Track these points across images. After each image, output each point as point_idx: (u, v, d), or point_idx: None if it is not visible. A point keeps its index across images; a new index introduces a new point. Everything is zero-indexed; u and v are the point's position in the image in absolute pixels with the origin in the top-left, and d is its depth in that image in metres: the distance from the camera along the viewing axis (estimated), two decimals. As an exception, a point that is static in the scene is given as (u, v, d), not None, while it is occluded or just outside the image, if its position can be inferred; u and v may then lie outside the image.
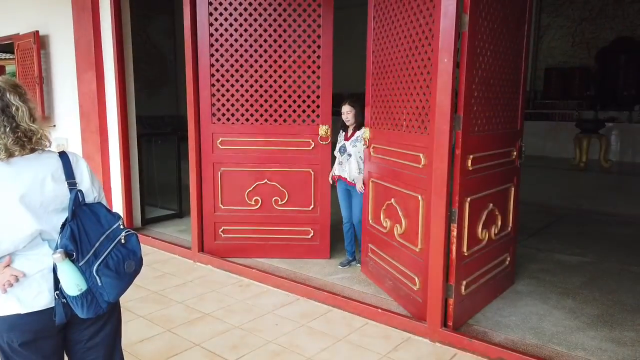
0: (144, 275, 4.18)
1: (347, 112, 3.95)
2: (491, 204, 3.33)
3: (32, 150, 1.52)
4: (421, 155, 3.07)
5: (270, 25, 4.04)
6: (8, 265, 1.51)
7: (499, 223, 3.46)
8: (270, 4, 4.01)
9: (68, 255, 1.49)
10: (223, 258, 4.35)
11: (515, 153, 3.56)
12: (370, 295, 3.65)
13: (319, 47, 4.02)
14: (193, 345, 3.02)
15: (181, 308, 3.56)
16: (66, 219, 1.53)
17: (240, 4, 4.04)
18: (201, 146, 4.30)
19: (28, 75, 5.80)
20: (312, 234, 4.33)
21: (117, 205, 5.29)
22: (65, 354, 1.74)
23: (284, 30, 4.03)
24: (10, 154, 1.46)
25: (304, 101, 4.12)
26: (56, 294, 1.54)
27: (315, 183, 4.24)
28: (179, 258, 4.66)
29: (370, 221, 3.87)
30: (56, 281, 1.53)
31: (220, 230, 4.42)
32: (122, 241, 1.61)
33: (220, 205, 4.37)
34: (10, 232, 1.48)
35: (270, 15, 4.02)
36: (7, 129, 1.44)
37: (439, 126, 2.88)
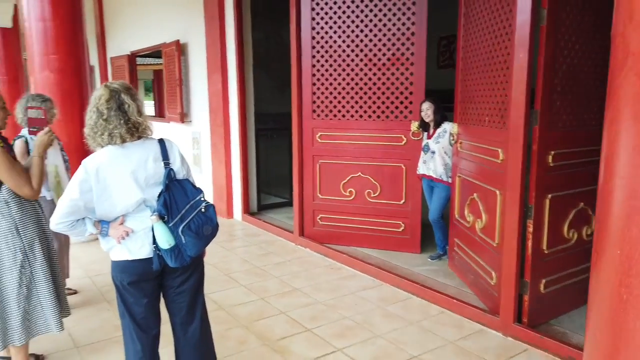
0: (251, 252, 4.78)
1: (427, 109, 4.05)
2: (582, 203, 3.19)
3: (139, 138, 2.00)
4: (500, 150, 3.08)
5: (366, 26, 4.29)
6: (122, 223, 2.01)
7: (593, 223, 3.29)
8: (366, 5, 4.26)
9: (161, 217, 1.95)
10: (320, 243, 4.74)
11: (616, 151, 3.34)
12: (452, 287, 3.72)
13: (412, 44, 4.17)
14: (279, 313, 3.43)
15: (276, 282, 4.02)
16: (161, 190, 2.00)
17: (339, 7, 4.36)
18: (303, 140, 4.73)
19: (171, 78, 6.83)
20: (402, 228, 4.50)
21: (236, 191, 6.00)
22: (161, 296, 2.23)
23: (379, 30, 4.25)
24: (123, 140, 1.95)
25: (397, 97, 4.30)
26: (154, 247, 2.01)
27: (407, 178, 4.39)
28: (283, 240, 5.17)
29: (456, 216, 3.93)
30: (154, 237, 2.00)
31: (318, 218, 4.82)
32: (202, 210, 2.04)
33: (318, 194, 4.76)
34: (124, 199, 1.98)
35: (366, 16, 4.28)
36: (122, 121, 1.93)
37: (514, 121, 2.88)
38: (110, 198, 1.94)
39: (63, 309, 2.53)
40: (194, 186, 2.08)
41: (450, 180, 4.05)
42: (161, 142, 2.06)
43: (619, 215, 1.64)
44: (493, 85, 3.17)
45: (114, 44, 9.21)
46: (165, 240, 1.94)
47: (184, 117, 6.78)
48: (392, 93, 4.30)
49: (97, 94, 1.93)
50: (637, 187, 1.57)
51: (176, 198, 1.98)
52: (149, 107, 23.73)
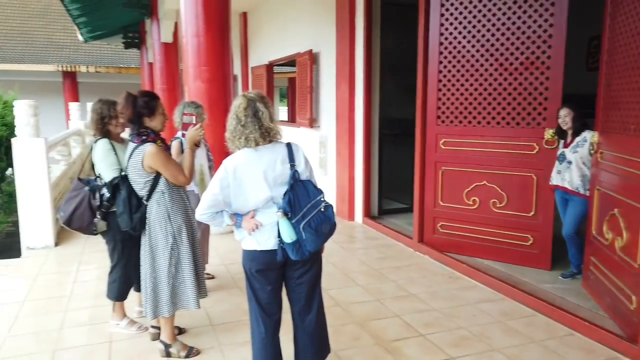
0: (370, 255, 4.89)
1: (565, 116, 3.76)
2: None
3: (270, 141, 2.23)
4: (647, 161, 2.78)
5: (498, 29, 4.14)
6: (252, 217, 2.26)
7: None
8: (499, 8, 4.11)
9: (285, 214, 2.16)
10: (439, 251, 4.67)
11: None
12: (585, 309, 3.42)
13: (549, 47, 3.91)
14: (394, 316, 3.49)
15: (393, 285, 4.07)
16: (287, 190, 2.20)
17: (470, 11, 4.27)
18: (426, 146, 4.72)
19: (303, 85, 7.26)
20: (531, 241, 4.23)
21: (358, 194, 6.17)
22: (283, 286, 2.43)
23: (512, 33, 4.07)
24: (257, 144, 2.19)
25: (529, 103, 4.07)
26: (278, 240, 2.23)
27: (538, 188, 4.13)
28: (402, 245, 5.19)
29: (593, 232, 3.60)
30: (278, 232, 2.21)
31: (438, 225, 4.76)
32: (322, 209, 2.21)
33: (439, 201, 4.70)
34: (255, 195, 2.22)
35: (498, 19, 4.12)
36: (256, 127, 2.17)
37: (666, 129, 2.58)
38: (244, 194, 2.20)
39: (201, 290, 2.89)
40: (316, 187, 2.26)
41: (587, 193, 3.73)
42: (288, 145, 2.27)
43: None
44: (642, 89, 2.87)
45: (254, 54, 10.05)
46: (288, 235, 2.13)
47: (312, 122, 7.15)
48: (525, 99, 4.08)
49: (237, 103, 2.20)
50: None
51: (299, 197, 2.17)
52: (283, 112, 25.36)
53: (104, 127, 2.95)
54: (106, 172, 2.88)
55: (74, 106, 11.09)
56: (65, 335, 3.22)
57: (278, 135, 2.25)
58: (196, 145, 2.79)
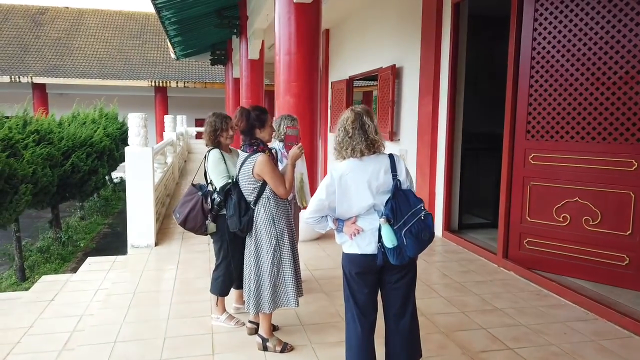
0: (451, 268, 4.90)
1: None
2: None
3: (374, 152, 2.40)
4: None
5: (595, 43, 4.05)
6: (354, 222, 2.43)
7: None
8: (597, 22, 4.02)
9: (388, 220, 2.31)
10: (525, 267, 4.59)
11: None
12: (689, 335, 3.25)
13: (652, 60, 3.78)
14: (480, 328, 3.50)
15: (477, 299, 4.07)
16: (389, 197, 2.35)
17: (565, 25, 4.21)
18: (513, 160, 4.68)
19: (384, 99, 7.42)
20: (627, 262, 4.05)
21: (439, 208, 6.18)
22: (379, 289, 2.57)
23: (611, 47, 3.96)
24: (362, 154, 2.38)
25: (628, 119, 3.93)
26: (379, 245, 2.38)
27: (636, 206, 3.96)
28: (484, 260, 5.14)
29: (700, 254, 3.41)
30: (379, 237, 2.37)
31: (525, 241, 4.67)
32: (422, 218, 2.34)
33: (527, 217, 4.62)
34: (358, 202, 2.39)
35: (596, 33, 4.03)
36: (362, 138, 2.35)
37: None
38: (348, 201, 2.38)
39: (299, 289, 3.10)
40: (416, 196, 2.39)
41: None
42: (391, 156, 2.43)
43: None
44: None
45: (335, 70, 10.38)
46: (390, 240, 2.28)
47: (392, 135, 7.27)
48: (623, 113, 3.95)
49: (345, 116, 2.40)
50: None
51: (400, 205, 2.32)
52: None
53: (216, 138, 3.28)
54: (217, 179, 3.20)
55: (168, 118, 12.01)
56: (172, 325, 3.56)
57: (382, 147, 2.41)
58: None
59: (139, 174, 5.56)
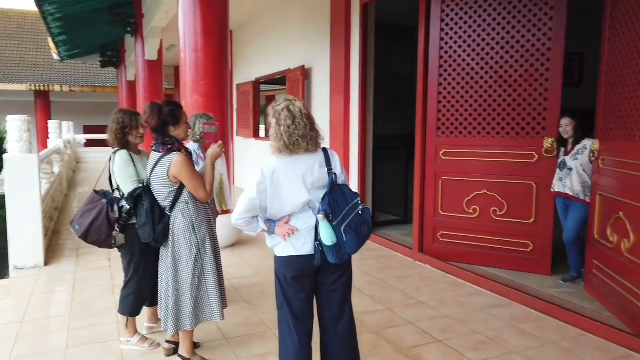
0: (371, 265, 4.89)
1: (567, 125, 3.91)
2: None
3: (317, 147, 2.23)
4: (654, 164, 2.90)
5: (497, 43, 4.28)
6: (287, 222, 2.25)
7: None
8: (498, 23, 4.26)
9: (327, 216, 2.15)
10: (440, 260, 4.72)
11: None
12: (591, 310, 3.51)
13: (548, 60, 4.07)
14: (407, 323, 3.49)
15: (400, 294, 4.08)
16: (326, 193, 2.20)
17: (470, 26, 4.41)
18: (426, 156, 4.80)
19: (294, 101, 7.30)
20: (531, 248, 4.33)
21: (353, 208, 6.19)
22: (315, 295, 2.41)
23: (511, 47, 4.22)
24: (306, 150, 2.17)
25: (528, 114, 4.21)
26: (316, 243, 2.21)
27: (538, 195, 4.24)
28: (401, 256, 5.22)
29: (595, 236, 3.71)
30: (316, 236, 2.20)
31: (438, 235, 4.81)
32: (360, 212, 2.21)
33: (440, 211, 4.77)
34: (293, 200, 2.21)
35: (498, 33, 4.27)
36: (304, 134, 2.15)
37: (673, 132, 2.71)
38: (281, 198, 2.19)
39: (223, 301, 2.83)
40: (351, 190, 2.27)
41: (587, 199, 3.85)
42: (324, 150, 2.28)
43: None
44: (645, 96, 3.01)
45: (240, 71, 10.08)
46: (329, 238, 2.13)
47: (304, 137, 7.17)
48: (524, 109, 4.22)
49: (285, 114, 2.17)
50: None
51: (337, 200, 2.18)
52: (262, 130, 25.33)
53: (124, 138, 2.90)
54: (125, 183, 2.83)
55: (52, 124, 10.83)
56: (72, 355, 3.09)
57: (321, 142, 2.26)
58: None
59: (23, 185, 4.84)
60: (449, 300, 3.92)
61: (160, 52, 9.51)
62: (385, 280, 4.45)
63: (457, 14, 4.48)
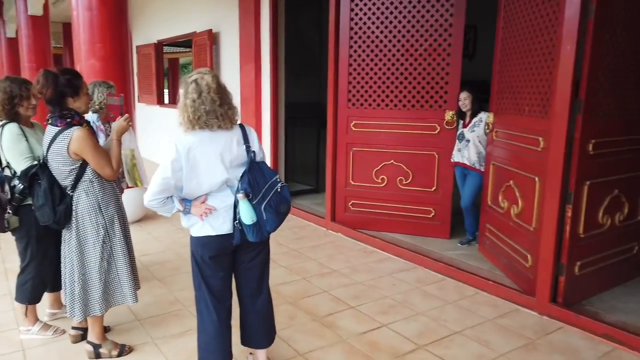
0: (285, 236, 4.95)
1: (465, 99, 4.18)
2: (617, 190, 3.33)
3: (233, 123, 2.15)
4: (540, 138, 3.22)
5: (404, 17, 4.41)
6: (204, 202, 2.18)
7: (626, 210, 3.44)
8: (405, -1, 4.38)
9: (246, 195, 2.12)
10: (351, 228, 4.91)
11: (650, 141, 3.47)
12: (484, 270, 3.88)
13: (450, 35, 4.28)
14: (322, 292, 3.61)
15: (314, 264, 4.20)
16: (244, 171, 2.16)
17: (378, -1, 4.48)
18: (337, 128, 4.88)
19: (202, 66, 6.97)
20: (433, 214, 4.65)
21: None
22: (233, 273, 2.39)
23: (417, 21, 4.37)
24: (219, 127, 2.09)
25: (432, 87, 4.43)
26: (236, 223, 2.18)
27: (439, 166, 4.53)
28: (314, 225, 5.34)
29: (488, 202, 4.07)
30: (234, 215, 2.17)
31: (349, 204, 4.98)
32: (279, 190, 2.21)
33: (351, 181, 4.92)
34: (210, 178, 2.14)
35: (405, 7, 4.39)
36: (224, 107, 2.08)
37: (558, 110, 3.02)
38: (197, 177, 2.11)
39: (136, 282, 2.71)
40: (270, 168, 2.25)
41: (482, 169, 4.19)
42: (242, 127, 2.22)
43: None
44: (535, 75, 3.30)
45: (140, 32, 9.36)
46: (249, 217, 2.11)
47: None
48: (428, 83, 4.43)
49: (192, 87, 2.06)
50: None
51: (257, 178, 2.15)
52: (166, 96, 23.94)
53: (12, 109, 2.57)
54: (17, 161, 2.53)
55: None
56: (-39, 350, 2.80)
57: (237, 117, 2.19)
58: None
59: None
60: (361, 267, 4.12)
61: (45, 6, 8.52)
62: (300, 250, 4.54)
63: (367, -14, 4.52)
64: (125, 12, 4.85)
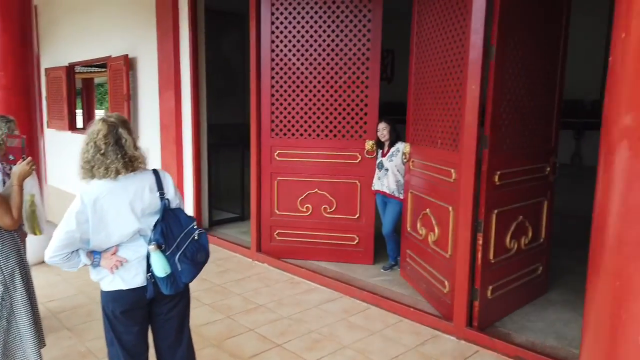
0: (209, 270, 4.79)
1: (383, 129, 4.34)
2: (521, 216, 3.58)
3: (133, 171, 2.05)
4: (452, 170, 3.40)
5: (324, 50, 4.51)
6: (114, 253, 2.05)
7: (530, 234, 3.71)
8: (324, 30, 4.48)
9: (159, 246, 2.02)
10: (277, 258, 4.87)
11: (548, 169, 3.78)
12: (406, 296, 4.00)
13: (367, 68, 4.44)
14: (248, 330, 3.53)
15: (240, 299, 4.10)
16: (158, 220, 2.07)
17: (298, 31, 4.55)
18: (261, 157, 4.86)
19: (118, 93, 6.68)
20: (357, 241, 4.73)
21: (189, 207, 5.98)
22: (150, 325, 2.27)
23: (336, 54, 4.49)
24: (118, 174, 2.00)
25: (352, 118, 4.55)
26: (148, 275, 2.07)
27: (361, 193, 4.64)
28: (240, 256, 5.23)
29: (408, 229, 4.22)
30: (148, 266, 2.06)
31: (275, 233, 4.95)
32: (196, 237, 2.13)
33: (276, 210, 4.89)
34: (120, 229, 2.03)
35: (324, 40, 4.50)
36: (119, 156, 1.98)
37: (467, 145, 3.21)
38: (106, 228, 1.99)
39: (40, 339, 2.49)
40: (187, 215, 2.17)
41: (402, 196, 4.34)
42: (155, 172, 2.13)
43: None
44: (446, 111, 3.50)
45: (48, 53, 8.78)
46: (162, 269, 2.01)
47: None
48: (348, 114, 4.54)
49: (95, 129, 1.98)
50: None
51: (172, 227, 2.06)
52: (78, 115, 22.58)
53: None
54: None
55: None
56: None
57: (143, 164, 2.09)
58: None
59: None
60: (287, 300, 4.08)
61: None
62: (224, 285, 4.41)
63: (285, 17, 4.58)
64: (30, 35, 4.54)
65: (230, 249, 5.44)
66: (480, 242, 3.29)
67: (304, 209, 4.79)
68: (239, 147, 6.53)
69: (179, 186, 5.97)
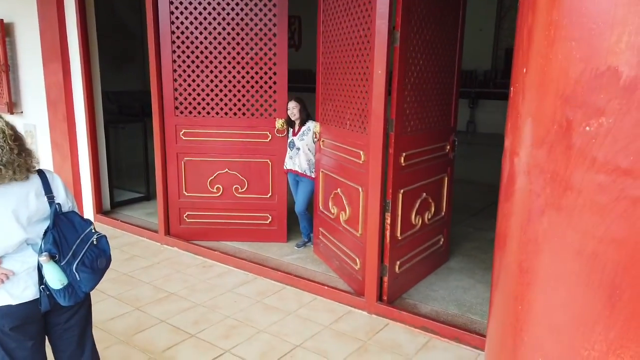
0: (114, 258, 4.40)
1: (293, 108, 4.29)
2: (424, 193, 3.77)
3: (27, 177, 1.83)
4: (361, 152, 3.46)
5: (228, 24, 4.30)
6: (-1, 265, 1.84)
7: (433, 209, 3.93)
8: (228, 4, 4.26)
9: (52, 257, 1.84)
10: (188, 241, 4.71)
11: (448, 147, 4.00)
12: (320, 273, 4.09)
13: (274, 44, 4.31)
14: (159, 322, 3.40)
15: (149, 288, 3.93)
16: (48, 227, 1.87)
17: (200, 2, 4.28)
18: (165, 137, 4.59)
19: (-7, 63, 5.89)
20: (270, 220, 4.71)
21: (86, 191, 5.55)
22: (46, 335, 2.10)
23: (242, 29, 4.30)
24: (11, 179, 1.78)
25: (261, 96, 4.43)
26: (42, 287, 1.89)
27: (273, 172, 4.59)
28: (147, 241, 4.99)
29: (320, 207, 4.28)
30: (40, 277, 1.88)
31: (184, 216, 4.77)
32: (94, 242, 1.97)
33: (184, 192, 4.70)
34: (4, 240, 1.81)
35: (228, 14, 4.28)
36: (10, 160, 1.76)
37: (374, 129, 3.27)
38: (-13, 241, 1.76)
39: None
40: (82, 218, 1.99)
41: (313, 175, 4.37)
42: (41, 174, 1.91)
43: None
44: (353, 93, 3.52)
45: None
46: (58, 280, 1.84)
47: (12, 107, 5.93)
48: (257, 91, 4.42)
49: None
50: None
51: (65, 234, 1.88)
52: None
53: None
54: None
55: None
56: None
57: (32, 167, 1.86)
58: None
59: None
60: (199, 286, 3.98)
61: None
62: (131, 274, 4.20)
63: (187, -11, 4.28)
64: None
65: (136, 232, 5.16)
66: (389, 221, 3.42)
67: (215, 190, 4.65)
68: (140, 117, 6.11)
69: (74, 168, 5.50)
